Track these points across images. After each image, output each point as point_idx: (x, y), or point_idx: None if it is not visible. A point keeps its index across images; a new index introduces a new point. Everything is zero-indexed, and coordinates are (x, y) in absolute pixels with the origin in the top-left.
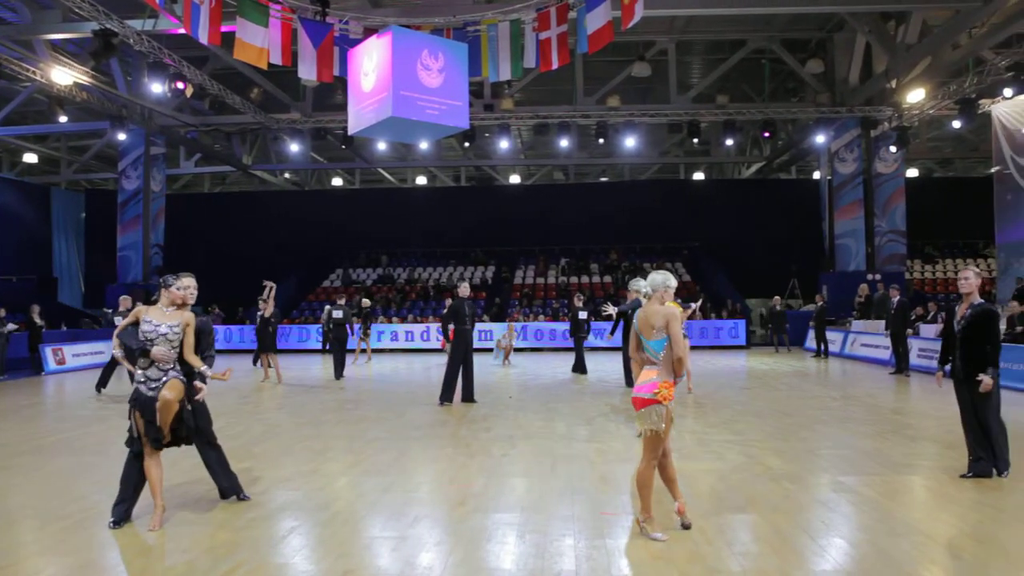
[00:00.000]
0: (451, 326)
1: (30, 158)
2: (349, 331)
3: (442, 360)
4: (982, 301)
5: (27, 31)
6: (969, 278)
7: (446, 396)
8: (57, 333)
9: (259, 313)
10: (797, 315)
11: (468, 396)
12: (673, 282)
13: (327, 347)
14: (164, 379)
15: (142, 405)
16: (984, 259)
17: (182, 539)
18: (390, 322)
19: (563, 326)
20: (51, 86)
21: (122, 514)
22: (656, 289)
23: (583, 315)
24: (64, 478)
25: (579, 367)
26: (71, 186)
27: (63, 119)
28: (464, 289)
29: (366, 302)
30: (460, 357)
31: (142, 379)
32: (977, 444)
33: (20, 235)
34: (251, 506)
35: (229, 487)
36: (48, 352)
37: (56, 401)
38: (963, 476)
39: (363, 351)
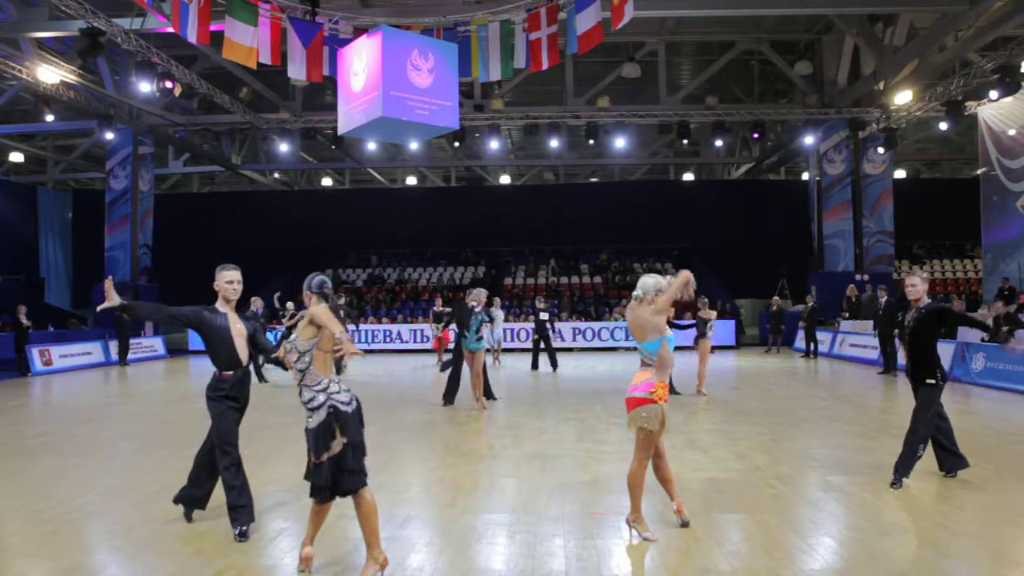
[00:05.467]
0: (451, 328)
1: (16, 157)
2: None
3: (431, 360)
4: (930, 301)
5: (13, 29)
6: (916, 284)
7: (448, 398)
8: (44, 334)
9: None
10: (789, 315)
11: (488, 394)
12: (665, 283)
13: None
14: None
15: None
16: (971, 259)
17: (171, 540)
18: (380, 322)
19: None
20: (37, 84)
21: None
22: (648, 292)
23: (544, 316)
24: (50, 480)
25: (535, 364)
26: (58, 185)
27: (50, 118)
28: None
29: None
30: (463, 361)
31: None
32: (944, 437)
33: (6, 235)
34: None
35: (201, 498)
36: (35, 353)
37: (42, 402)
38: (948, 474)
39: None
